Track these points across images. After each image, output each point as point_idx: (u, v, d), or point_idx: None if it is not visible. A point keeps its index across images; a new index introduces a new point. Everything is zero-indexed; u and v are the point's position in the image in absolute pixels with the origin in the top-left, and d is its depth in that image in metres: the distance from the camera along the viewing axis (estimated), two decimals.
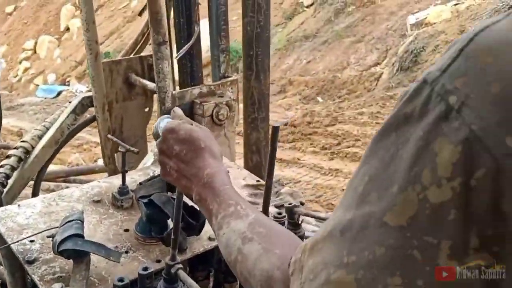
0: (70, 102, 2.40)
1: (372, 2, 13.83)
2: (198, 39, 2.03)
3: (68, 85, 17.01)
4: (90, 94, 2.28)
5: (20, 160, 2.21)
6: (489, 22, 0.41)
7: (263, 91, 2.36)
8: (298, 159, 8.14)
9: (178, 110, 1.03)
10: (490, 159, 0.39)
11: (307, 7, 15.05)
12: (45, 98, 15.45)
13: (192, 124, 0.95)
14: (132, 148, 1.35)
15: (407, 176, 0.43)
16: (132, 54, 2.42)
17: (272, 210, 1.27)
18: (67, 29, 20.16)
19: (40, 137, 2.28)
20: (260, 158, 2.52)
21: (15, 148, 2.25)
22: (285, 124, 9.38)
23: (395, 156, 0.44)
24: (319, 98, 11.43)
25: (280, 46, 14.01)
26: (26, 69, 19.53)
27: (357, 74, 11.67)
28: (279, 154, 8.44)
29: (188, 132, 0.92)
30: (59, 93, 15.97)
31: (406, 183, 0.43)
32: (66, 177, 6.42)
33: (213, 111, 1.82)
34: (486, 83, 0.40)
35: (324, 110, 10.01)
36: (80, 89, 14.16)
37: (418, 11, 12.25)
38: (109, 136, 1.82)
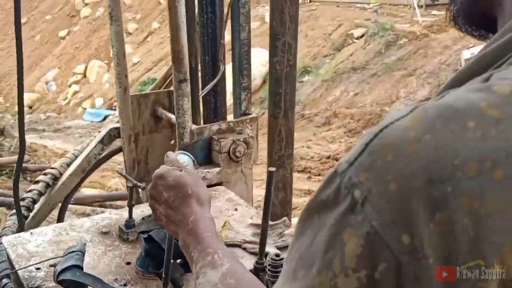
0: (99, 132, 2.54)
1: (425, 35, 13.76)
2: (223, 77, 2.13)
3: (115, 109, 17.66)
4: (118, 125, 2.42)
5: (48, 186, 2.35)
6: (394, 117, 0.44)
7: (290, 128, 2.43)
8: None
9: (171, 155, 1.10)
10: (390, 254, 0.42)
11: (357, 38, 15.12)
12: (92, 121, 16.07)
13: (181, 170, 1.02)
14: (139, 184, 1.44)
15: (322, 260, 0.46)
16: (161, 88, 2.55)
17: (272, 251, 1.32)
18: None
19: (68, 165, 2.43)
20: (286, 194, 2.58)
21: (44, 174, 2.40)
22: (328, 157, 9.37)
23: (316, 238, 0.48)
24: (364, 132, 11.36)
25: (327, 77, 14.08)
26: (75, 93, 20.42)
27: None
28: (318, 187, 8.42)
29: (176, 179, 0.98)
30: (105, 117, 16.56)
31: (322, 266, 0.46)
32: (103, 202, 6.64)
33: (230, 147, 1.91)
34: (385, 181, 0.42)
35: None
36: None
37: (473, 46, 12.08)
38: (118, 171, 1.93)
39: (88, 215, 5.18)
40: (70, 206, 2.85)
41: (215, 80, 1.97)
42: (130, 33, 21.69)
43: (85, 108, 18.53)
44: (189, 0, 2.10)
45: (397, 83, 12.77)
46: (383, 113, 11.58)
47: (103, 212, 4.30)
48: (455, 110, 0.38)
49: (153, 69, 18.16)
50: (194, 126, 1.92)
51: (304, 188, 8.30)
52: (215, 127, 1.95)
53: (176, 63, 1.75)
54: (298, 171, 9.02)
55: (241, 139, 1.94)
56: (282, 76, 2.23)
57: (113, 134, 2.44)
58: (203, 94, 2.06)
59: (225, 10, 1.93)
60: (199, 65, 2.21)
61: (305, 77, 14.75)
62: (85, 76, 21.31)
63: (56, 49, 23.21)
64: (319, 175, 8.91)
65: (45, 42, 23.80)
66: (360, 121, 11.66)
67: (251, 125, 2.05)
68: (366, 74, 13.48)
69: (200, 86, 2.23)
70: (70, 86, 20.95)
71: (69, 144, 12.14)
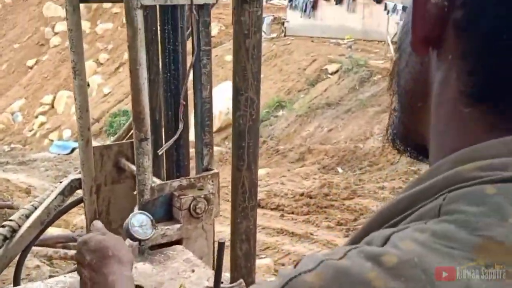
0: (60, 182, 2.58)
1: None
2: (186, 132, 2.21)
3: None
4: (79, 176, 2.46)
5: (5, 238, 2.36)
6: (303, 268, 0.46)
7: (253, 180, 2.50)
8: (311, 233, 8.15)
9: (97, 224, 1.24)
10: None
11: (331, 74, 15.46)
12: (59, 154, 15.91)
13: (104, 234, 1.13)
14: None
15: None
16: (125, 139, 2.61)
17: None
18: (87, 85, 21.02)
19: (27, 216, 2.45)
20: (250, 247, 2.63)
21: (1, 226, 2.41)
22: (301, 195, 9.45)
23: None
24: (339, 169, 11.52)
25: (301, 112, 14.31)
26: (42, 124, 20.25)
27: (380, 146, 11.78)
28: (292, 227, 8.48)
29: (97, 243, 1.10)
30: (73, 150, 16.44)
31: None
32: (66, 243, 6.55)
33: (190, 204, 1.97)
34: None
35: (343, 182, 10.07)
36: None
37: None
38: (75, 236, 1.97)
39: (51, 257, 5.12)
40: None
41: (173, 139, 2.04)
42: (101, 64, 21.76)
43: (52, 140, 18.38)
44: (153, 57, 2.19)
45: (371, 119, 13.06)
46: (357, 150, 11.79)
47: (66, 253, 4.26)
48: (348, 277, 0.42)
49: (124, 100, 18.17)
50: (155, 183, 1.98)
51: (277, 227, 8.35)
52: (176, 183, 2.01)
53: (137, 122, 1.82)
54: (271, 209, 9.08)
55: (202, 196, 2.00)
56: (245, 130, 2.31)
57: (74, 185, 2.47)
58: (161, 152, 2.12)
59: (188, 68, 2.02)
60: (163, 119, 2.29)
61: (280, 111, 14.97)
62: (53, 106, 21.18)
63: (23, 78, 23.10)
64: (292, 213, 8.98)
65: (12, 71, 23.66)
66: (334, 157, 11.83)
67: (212, 181, 2.12)
68: (340, 110, 13.76)
69: (163, 139, 2.30)
70: (36, 117, 20.78)
71: (34, 178, 11.99)
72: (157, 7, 2.02)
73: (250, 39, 2.05)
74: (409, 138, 0.61)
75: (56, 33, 23.84)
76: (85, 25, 22.66)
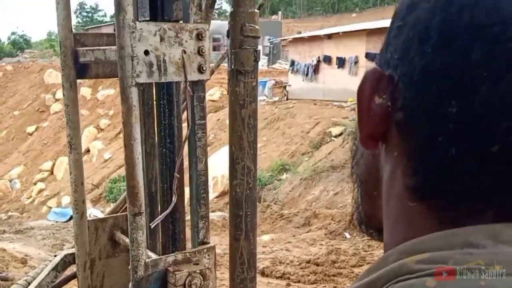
0: (55, 255, 2.59)
1: None
2: (182, 205, 2.24)
3: None
4: (73, 250, 2.47)
5: None
6: None
7: (252, 250, 2.51)
8: None
9: None
10: None
11: (335, 136, 15.63)
12: (57, 222, 15.88)
13: None
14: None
15: None
16: (120, 211, 2.64)
17: None
18: (88, 151, 21.28)
19: None
20: None
21: None
22: (308, 262, 9.32)
23: None
24: (346, 234, 11.42)
25: (306, 175, 14.36)
26: (40, 191, 20.33)
27: None
28: None
29: None
30: (71, 217, 16.36)
31: None
32: None
33: (185, 280, 1.96)
34: None
35: (351, 248, 9.96)
36: (94, 214, 14.54)
37: None
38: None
39: None
40: None
41: (166, 212, 2.07)
42: (102, 129, 22.11)
43: (50, 207, 18.39)
44: (149, 130, 2.26)
45: None
46: None
47: None
48: None
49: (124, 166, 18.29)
50: (149, 258, 1.99)
51: None
52: (170, 258, 2.02)
53: (131, 197, 1.86)
54: (277, 278, 8.93)
55: (198, 271, 2.00)
56: (242, 198, 2.34)
57: (68, 260, 2.48)
58: (153, 226, 2.15)
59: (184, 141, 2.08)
60: (158, 192, 2.32)
61: (283, 175, 15.03)
62: (52, 173, 21.33)
63: (23, 145, 23.42)
64: (299, 281, 8.83)
65: (12, 138, 24.01)
66: (341, 222, 11.75)
67: (208, 255, 2.12)
68: (346, 173, 13.78)
69: (159, 212, 2.33)
70: (35, 184, 20.89)
71: (30, 247, 11.91)
72: (153, 82, 2.10)
73: (245, 109, 2.12)
74: (370, 223, 0.65)
75: (57, 100, 24.40)
76: (87, 92, 23.22)
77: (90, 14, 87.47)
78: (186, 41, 1.83)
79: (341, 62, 19.70)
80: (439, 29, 0.48)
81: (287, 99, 21.18)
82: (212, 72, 2.48)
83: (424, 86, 0.49)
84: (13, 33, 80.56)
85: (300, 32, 36.05)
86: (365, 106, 0.55)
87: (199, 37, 1.86)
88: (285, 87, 22.08)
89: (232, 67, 2.22)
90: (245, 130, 2.27)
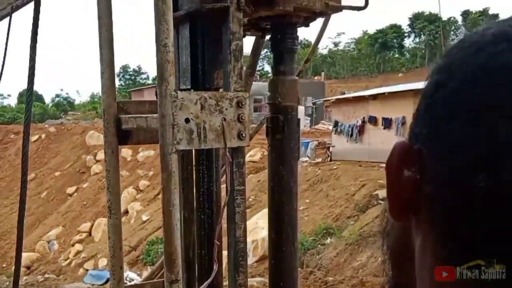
0: None
1: None
2: (219, 272, 2.27)
3: None
4: None
5: None
6: None
7: None
8: None
9: None
10: None
11: (382, 199, 15.38)
12: (93, 284, 15.97)
13: None
14: None
15: None
16: (158, 277, 2.69)
17: None
18: (126, 212, 21.60)
19: None
20: None
21: None
22: None
23: None
24: None
25: (351, 240, 14.09)
26: (78, 252, 20.60)
27: None
28: None
29: None
30: (107, 280, 16.47)
31: None
32: None
33: None
34: None
35: None
36: (131, 277, 14.57)
37: None
38: None
39: None
40: None
41: (208, 281, 2.10)
42: (141, 190, 22.49)
43: (87, 270, 18.55)
44: (188, 195, 2.33)
45: None
46: None
47: None
48: None
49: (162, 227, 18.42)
50: None
51: None
52: None
53: (168, 263, 1.90)
54: None
55: None
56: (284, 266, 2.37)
57: None
58: None
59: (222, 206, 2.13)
60: (196, 258, 2.36)
61: (327, 239, 14.79)
62: (90, 234, 21.66)
63: (62, 206, 23.98)
64: None
65: (52, 199, 24.66)
66: None
67: None
68: None
69: (196, 279, 2.36)
70: (73, 245, 21.22)
71: None
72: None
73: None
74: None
75: (97, 161, 25.12)
76: (127, 153, 23.82)
77: (133, 77, 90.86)
78: (226, 109, 1.92)
79: (387, 123, 19.67)
80: (466, 107, 0.52)
81: (330, 160, 21.15)
82: (251, 137, 2.56)
83: (452, 161, 0.52)
84: (57, 96, 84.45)
85: (343, 93, 36.38)
86: (394, 179, 0.58)
87: (239, 104, 1.94)
88: (328, 148, 22.10)
89: (270, 132, 2.30)
90: (284, 206, 2.34)
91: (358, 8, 2.47)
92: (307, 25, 2.47)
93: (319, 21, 2.59)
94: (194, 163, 2.27)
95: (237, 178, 2.05)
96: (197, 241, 2.31)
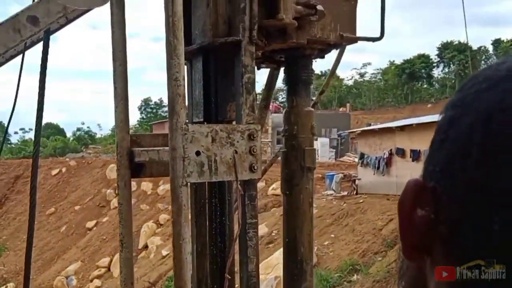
0: None
1: None
2: None
3: None
4: None
5: None
6: None
7: None
8: None
9: None
10: None
11: None
12: None
13: None
14: None
15: None
16: None
17: None
18: (145, 246, 21.65)
19: None
20: None
21: None
22: None
23: None
24: None
25: (379, 277, 13.87)
26: None
27: None
28: None
29: None
30: None
31: None
32: None
33: None
34: None
35: None
36: None
37: None
38: None
39: None
40: None
41: None
42: (161, 224, 22.55)
43: None
44: (201, 229, 2.37)
45: None
46: None
47: None
48: None
49: None
50: None
51: None
52: None
53: None
54: None
55: None
56: None
57: None
58: None
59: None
60: None
61: (354, 276, 14.59)
62: (109, 269, 21.71)
63: (81, 240, 24.14)
64: None
65: (71, 233, 24.86)
66: None
67: None
68: None
69: None
70: (91, 280, 21.27)
71: None
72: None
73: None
74: None
75: (117, 195, 25.28)
76: (147, 186, 23.99)
77: (154, 110, 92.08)
78: (237, 141, 1.96)
79: (416, 155, 19.49)
80: (480, 144, 0.51)
81: (356, 193, 20.98)
82: (266, 170, 2.60)
83: (466, 200, 0.52)
84: (78, 129, 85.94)
85: (370, 124, 36.25)
86: (407, 218, 0.58)
87: (251, 137, 1.99)
88: (354, 181, 21.95)
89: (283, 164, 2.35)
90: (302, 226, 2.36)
91: (374, 39, 2.51)
92: (322, 57, 2.52)
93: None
94: (206, 196, 2.32)
95: (249, 211, 2.08)
96: (210, 275, 2.33)
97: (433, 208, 0.56)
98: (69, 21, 2.20)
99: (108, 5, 2.07)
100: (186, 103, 2.14)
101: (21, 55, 2.10)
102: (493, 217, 0.49)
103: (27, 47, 2.05)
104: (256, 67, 2.14)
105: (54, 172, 31.96)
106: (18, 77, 2.29)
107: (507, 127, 0.50)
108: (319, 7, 2.18)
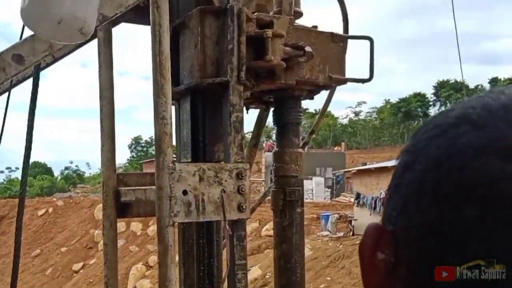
0: None
1: None
2: None
3: None
4: None
5: None
6: None
7: None
8: None
9: None
10: None
11: None
12: None
13: None
14: None
15: None
16: None
17: None
18: None
19: None
20: None
21: None
22: None
23: None
24: None
25: None
26: None
27: None
28: None
29: None
30: None
31: None
32: None
33: None
34: None
35: None
36: None
37: None
38: None
39: None
40: None
41: None
42: (151, 266, 22.27)
43: None
44: (189, 270, 2.38)
45: None
46: None
47: None
48: None
49: None
50: None
51: None
52: None
53: None
54: None
55: None
56: None
57: None
58: None
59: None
60: None
61: None
62: None
63: (67, 284, 23.76)
64: None
65: (57, 276, 24.49)
66: None
67: None
68: None
69: None
70: None
71: None
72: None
73: (277, 249, 2.25)
74: None
75: None
76: (137, 227, 23.82)
77: (145, 148, 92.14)
78: (225, 180, 2.00)
79: None
80: (431, 188, 0.55)
81: (353, 234, 20.89)
82: (254, 209, 2.63)
83: (422, 242, 0.55)
84: (66, 168, 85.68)
85: (365, 163, 36.35)
86: (368, 261, 0.61)
87: (239, 176, 2.02)
88: (350, 221, 21.90)
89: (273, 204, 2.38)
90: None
91: (363, 81, 2.57)
92: (311, 98, 2.58)
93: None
94: (195, 237, 2.33)
95: (238, 252, 2.09)
96: None
97: (392, 251, 0.58)
98: (56, 60, 2.26)
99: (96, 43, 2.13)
100: (174, 143, 2.19)
101: (6, 93, 2.15)
102: (448, 258, 0.52)
103: (12, 86, 2.10)
104: (245, 108, 2.18)
105: (40, 212, 31.68)
106: (4, 115, 2.34)
107: (455, 172, 0.54)
108: (308, 48, 2.24)
